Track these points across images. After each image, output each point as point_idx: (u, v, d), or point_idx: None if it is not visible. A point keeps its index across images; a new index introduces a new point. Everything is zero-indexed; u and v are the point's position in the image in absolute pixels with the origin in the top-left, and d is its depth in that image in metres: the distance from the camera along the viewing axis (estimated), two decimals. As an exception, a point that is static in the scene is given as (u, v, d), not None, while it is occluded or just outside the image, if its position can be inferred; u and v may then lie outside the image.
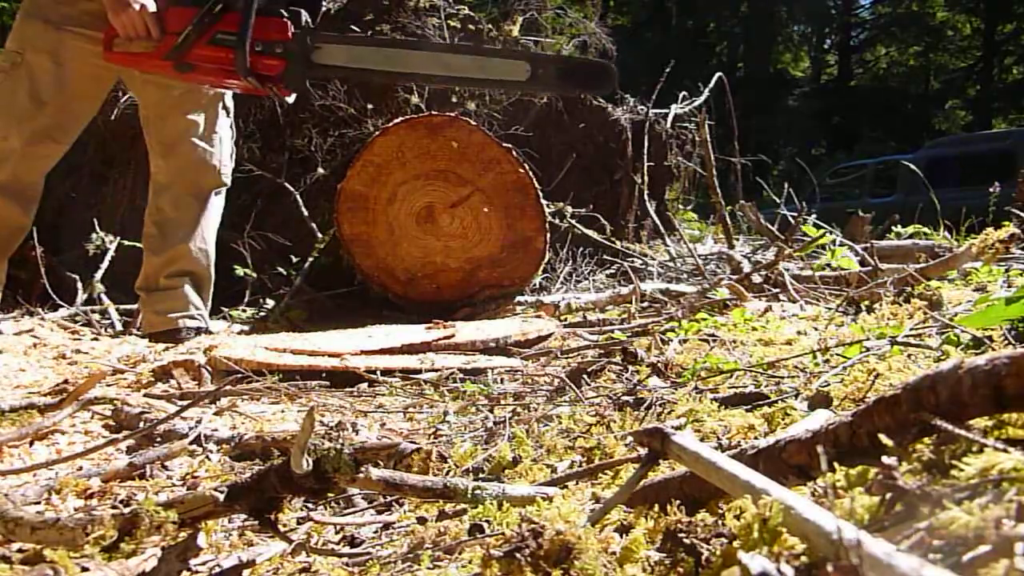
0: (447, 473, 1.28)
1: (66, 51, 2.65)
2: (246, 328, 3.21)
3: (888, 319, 2.08)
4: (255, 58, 2.62)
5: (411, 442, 1.36)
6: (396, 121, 3.44)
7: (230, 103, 3.04)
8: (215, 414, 1.76)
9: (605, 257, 4.28)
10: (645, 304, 3.22)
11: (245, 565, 0.95)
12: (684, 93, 5.38)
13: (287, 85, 2.75)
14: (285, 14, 2.69)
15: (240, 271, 3.59)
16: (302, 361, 2.17)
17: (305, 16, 2.74)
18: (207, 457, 1.45)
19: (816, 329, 2.17)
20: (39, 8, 2.65)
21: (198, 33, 2.63)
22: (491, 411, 1.68)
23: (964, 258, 2.63)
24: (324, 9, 4.04)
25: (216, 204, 3.01)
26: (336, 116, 4.00)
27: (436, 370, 2.12)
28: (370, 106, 4.00)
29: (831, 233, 3.73)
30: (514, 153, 3.40)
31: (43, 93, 2.65)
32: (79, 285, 3.47)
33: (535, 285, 3.83)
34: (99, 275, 3.47)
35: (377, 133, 3.47)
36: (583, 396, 1.66)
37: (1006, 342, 1.50)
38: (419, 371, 2.13)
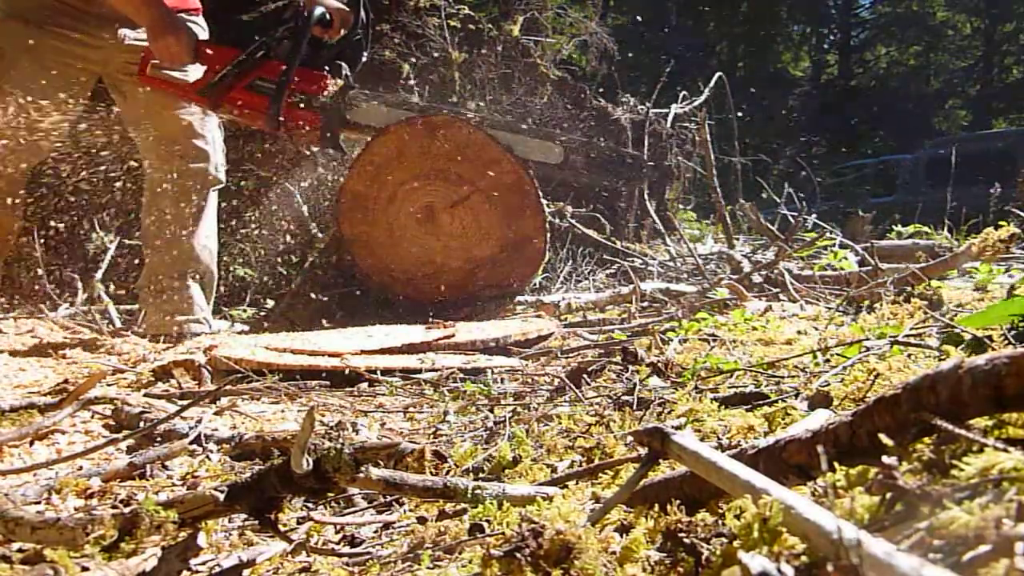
0: (447, 473, 1.28)
1: (46, 50, 2.63)
2: (246, 328, 3.21)
3: (888, 319, 2.08)
4: (290, 111, 2.62)
5: (411, 442, 1.36)
6: (396, 121, 3.44)
7: None
8: (215, 414, 1.76)
9: (605, 257, 4.28)
10: (645, 304, 3.22)
11: (245, 565, 0.95)
12: (684, 93, 5.38)
13: (321, 141, 2.76)
14: (327, 67, 2.67)
15: (240, 271, 3.60)
16: (302, 361, 2.17)
17: (345, 70, 2.73)
18: (207, 457, 1.45)
19: (816, 329, 2.17)
20: (17, 7, 2.64)
21: (237, 76, 2.62)
22: (491, 411, 1.68)
23: (964, 258, 2.63)
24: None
25: (213, 201, 3.00)
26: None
27: (436, 370, 2.12)
28: (370, 106, 3.99)
29: (831, 233, 3.73)
30: (514, 153, 3.40)
31: (23, 93, 2.62)
32: (79, 285, 3.47)
33: (535, 285, 3.83)
34: (99, 275, 3.48)
35: (377, 133, 3.47)
36: (583, 396, 1.66)
37: (1006, 342, 1.50)
38: (419, 371, 2.13)
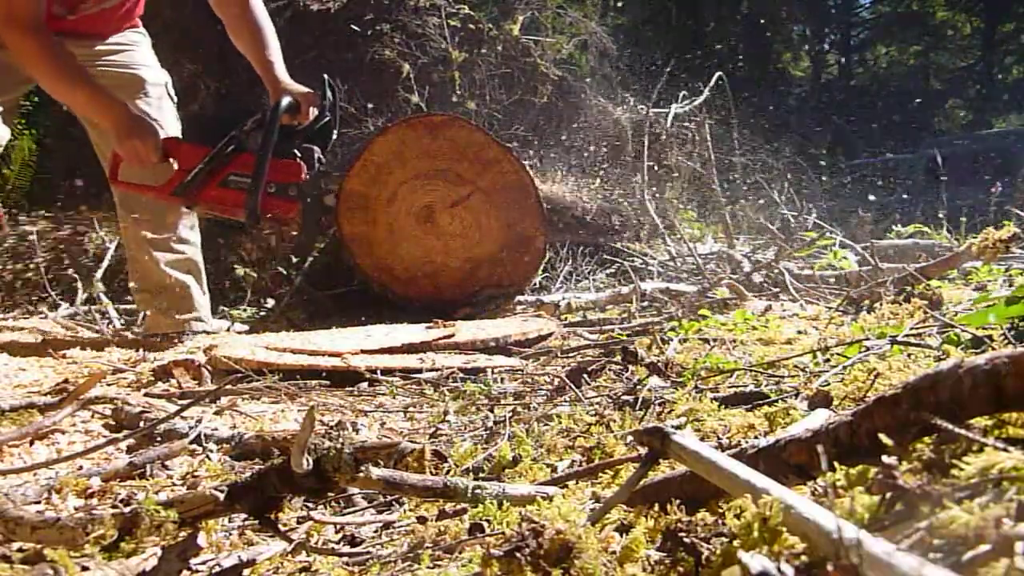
0: (447, 472, 1.28)
1: None
2: (246, 327, 3.21)
3: (888, 319, 2.08)
4: (267, 200, 2.58)
5: (411, 442, 1.36)
6: (396, 121, 3.44)
7: (173, 93, 2.98)
8: (215, 414, 1.76)
9: (605, 256, 4.28)
10: (645, 303, 3.22)
11: (245, 564, 0.95)
12: (684, 93, 5.38)
13: (300, 227, 2.72)
14: (299, 154, 2.65)
15: (240, 271, 3.59)
16: (302, 361, 2.17)
17: (318, 153, 2.70)
18: (207, 457, 1.45)
19: (816, 328, 2.17)
20: None
21: (209, 174, 2.59)
22: (491, 411, 1.68)
23: (964, 257, 2.63)
24: (324, 9, 4.03)
25: None
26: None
27: (436, 369, 2.11)
28: (370, 106, 4.00)
29: (831, 233, 3.73)
30: (514, 153, 3.40)
31: None
32: (79, 284, 3.47)
33: (535, 285, 3.82)
34: (99, 275, 3.47)
35: (377, 133, 3.47)
36: (583, 396, 1.66)
37: (1006, 342, 1.50)
38: (419, 370, 2.13)
